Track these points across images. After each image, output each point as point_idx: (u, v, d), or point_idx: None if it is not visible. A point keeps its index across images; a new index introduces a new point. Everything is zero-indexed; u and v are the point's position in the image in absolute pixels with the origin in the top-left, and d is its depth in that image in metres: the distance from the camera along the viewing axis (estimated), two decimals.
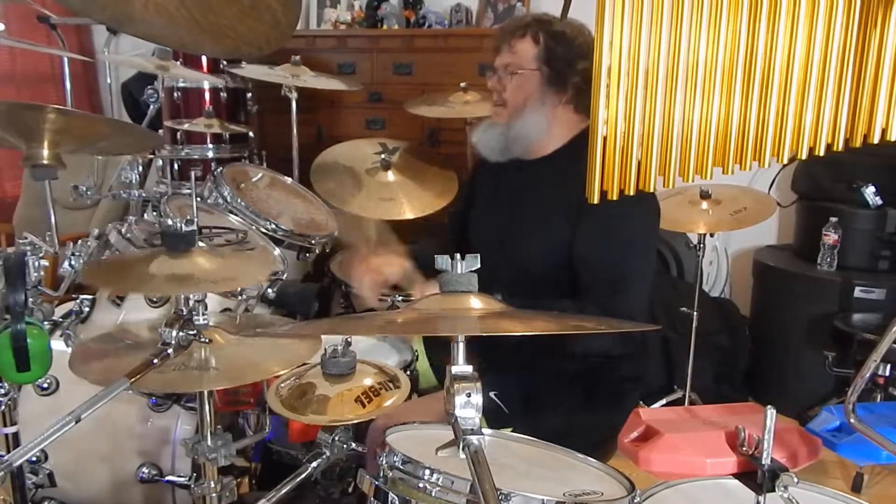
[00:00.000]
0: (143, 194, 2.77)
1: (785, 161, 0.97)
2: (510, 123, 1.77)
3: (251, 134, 3.22)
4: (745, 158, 0.96)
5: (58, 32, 3.35)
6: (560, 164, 1.76)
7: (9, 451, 1.28)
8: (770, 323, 3.08)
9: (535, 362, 1.68)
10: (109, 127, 1.63)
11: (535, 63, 1.72)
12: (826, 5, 0.91)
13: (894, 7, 0.89)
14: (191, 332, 1.22)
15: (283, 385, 1.49)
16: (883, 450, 1.72)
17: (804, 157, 0.96)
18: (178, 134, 3.06)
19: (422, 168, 2.95)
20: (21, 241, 1.24)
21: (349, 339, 1.50)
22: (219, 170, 2.33)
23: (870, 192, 2.83)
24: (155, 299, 1.79)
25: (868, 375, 1.77)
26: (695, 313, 2.59)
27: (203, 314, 1.26)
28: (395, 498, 1.04)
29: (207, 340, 1.25)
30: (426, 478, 1.02)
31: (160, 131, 3.10)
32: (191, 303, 1.25)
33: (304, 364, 1.50)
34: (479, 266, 1.03)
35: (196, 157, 3.12)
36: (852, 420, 1.74)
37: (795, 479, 0.96)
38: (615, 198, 0.96)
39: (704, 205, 2.52)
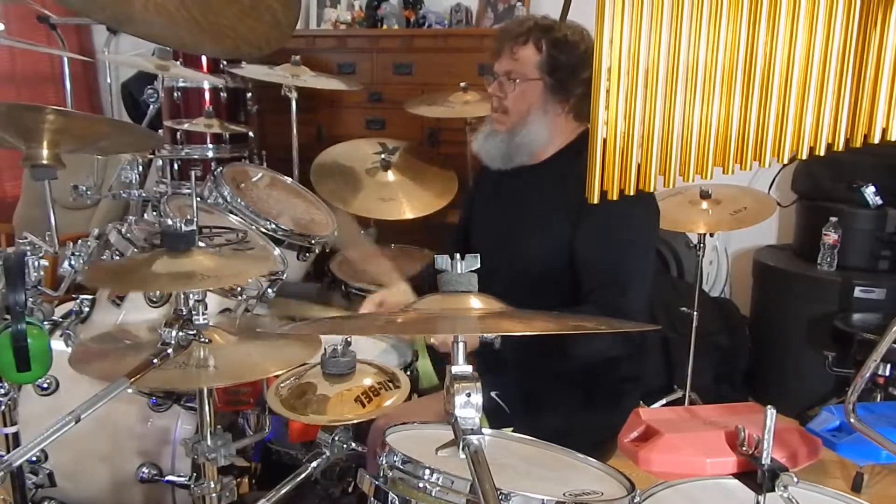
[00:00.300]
0: (143, 194, 2.76)
1: (785, 161, 0.97)
2: (513, 132, 1.76)
3: (251, 134, 3.22)
4: (746, 158, 0.96)
5: (58, 32, 3.35)
6: (559, 165, 1.75)
7: (9, 451, 1.28)
8: (770, 323, 3.08)
9: (535, 362, 1.68)
10: (109, 127, 1.63)
11: (538, 72, 1.71)
12: (826, 5, 0.91)
13: (894, 7, 0.89)
14: (190, 332, 1.22)
15: (283, 385, 1.50)
16: (883, 449, 1.72)
17: (804, 156, 0.96)
18: (178, 134, 3.06)
19: (422, 168, 2.96)
20: (21, 241, 1.24)
21: (349, 339, 1.50)
22: (219, 170, 2.33)
23: (870, 192, 2.83)
24: (155, 299, 1.79)
25: (868, 375, 1.77)
26: (695, 313, 2.59)
27: (203, 314, 1.26)
28: (395, 498, 1.04)
29: (207, 340, 1.25)
30: (426, 478, 1.02)
31: (160, 131, 3.09)
32: (190, 303, 1.25)
33: (304, 364, 1.50)
34: (478, 266, 1.03)
35: (196, 157, 3.11)
36: (852, 420, 1.74)
37: (795, 479, 0.96)
38: (615, 198, 0.96)
39: (704, 205, 2.52)
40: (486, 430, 1.12)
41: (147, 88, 3.07)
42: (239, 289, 1.73)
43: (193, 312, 1.24)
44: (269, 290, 1.82)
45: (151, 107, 3.05)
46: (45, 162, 1.26)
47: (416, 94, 3.18)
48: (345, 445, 1.54)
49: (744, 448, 1.02)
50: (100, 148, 1.79)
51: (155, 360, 1.15)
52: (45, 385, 1.66)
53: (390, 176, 2.88)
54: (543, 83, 1.71)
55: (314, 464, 1.53)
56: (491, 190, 1.90)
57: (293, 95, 2.86)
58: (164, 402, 1.66)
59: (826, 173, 2.98)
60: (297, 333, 1.42)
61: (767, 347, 3.06)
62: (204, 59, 3.13)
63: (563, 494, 1.03)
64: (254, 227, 2.12)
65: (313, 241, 2.36)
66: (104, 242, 1.73)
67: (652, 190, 0.96)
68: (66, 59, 3.48)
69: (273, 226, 2.20)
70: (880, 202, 2.83)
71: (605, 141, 0.93)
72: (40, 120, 1.24)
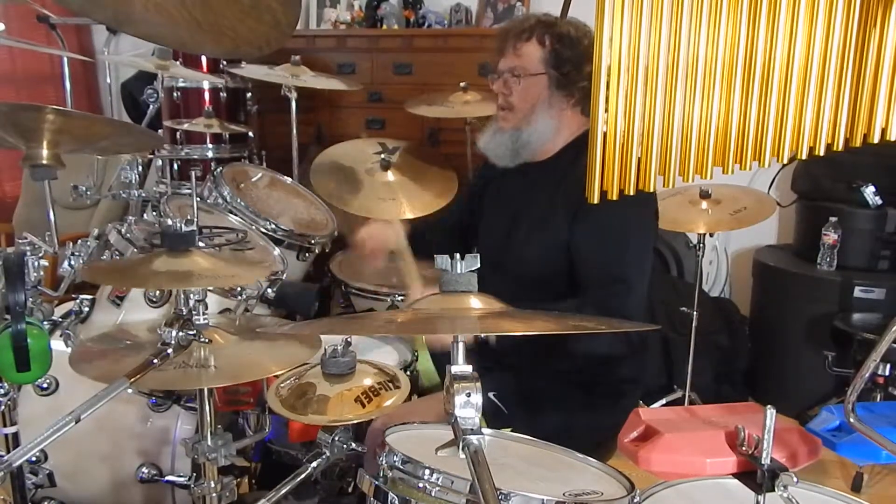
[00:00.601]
0: (143, 194, 2.76)
1: (785, 161, 0.97)
2: (519, 129, 1.76)
3: (251, 134, 3.22)
4: (745, 158, 0.96)
5: (58, 32, 3.35)
6: (562, 164, 1.75)
7: (9, 451, 1.28)
8: (770, 323, 3.08)
9: (534, 362, 1.69)
10: (109, 127, 1.63)
11: (543, 67, 1.71)
12: (826, 4, 0.91)
13: (894, 6, 0.89)
14: (190, 332, 1.22)
15: (283, 385, 1.50)
16: (883, 449, 1.72)
17: (804, 156, 0.96)
18: (178, 134, 3.06)
19: (422, 168, 2.95)
20: (21, 241, 1.24)
21: (349, 339, 1.50)
22: (219, 170, 2.33)
23: (870, 191, 2.83)
24: (154, 299, 1.79)
25: (868, 375, 1.77)
26: (695, 313, 2.59)
27: (203, 314, 1.26)
28: (395, 498, 1.04)
29: (207, 340, 1.25)
30: (426, 478, 1.02)
31: (160, 131, 3.09)
32: (190, 303, 1.25)
33: (304, 364, 1.50)
34: (479, 266, 1.03)
35: (196, 157, 3.11)
36: (852, 420, 1.74)
37: (795, 479, 0.96)
38: (615, 197, 0.96)
39: (704, 204, 2.52)
40: (486, 430, 1.13)
41: (147, 88, 3.07)
42: (239, 289, 1.73)
43: (193, 312, 1.24)
44: (269, 290, 1.82)
45: (151, 107, 3.05)
46: (45, 162, 1.26)
47: (416, 94, 3.18)
48: (345, 445, 1.54)
49: (744, 448, 1.02)
50: (100, 148, 1.79)
51: (155, 360, 1.15)
52: (45, 385, 1.66)
53: (390, 176, 2.88)
54: (548, 77, 1.71)
55: (314, 464, 1.53)
56: (495, 188, 1.91)
57: (293, 95, 2.85)
58: (164, 402, 1.66)
59: (826, 173, 2.98)
60: (297, 333, 1.42)
61: (767, 347, 3.06)
62: (204, 59, 3.13)
63: (563, 494, 1.03)
64: (254, 227, 2.12)
65: (313, 241, 2.36)
66: (104, 242, 1.73)
67: (652, 190, 0.96)
68: (65, 59, 3.48)
69: (273, 226, 2.20)
70: (880, 202, 2.83)
71: (604, 140, 0.93)
72: (40, 120, 1.24)
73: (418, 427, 1.25)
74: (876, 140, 0.93)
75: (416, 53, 3.44)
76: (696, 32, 0.92)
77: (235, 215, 2.15)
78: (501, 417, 1.60)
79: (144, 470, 1.62)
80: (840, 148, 0.95)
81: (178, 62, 2.86)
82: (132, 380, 1.09)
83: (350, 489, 1.75)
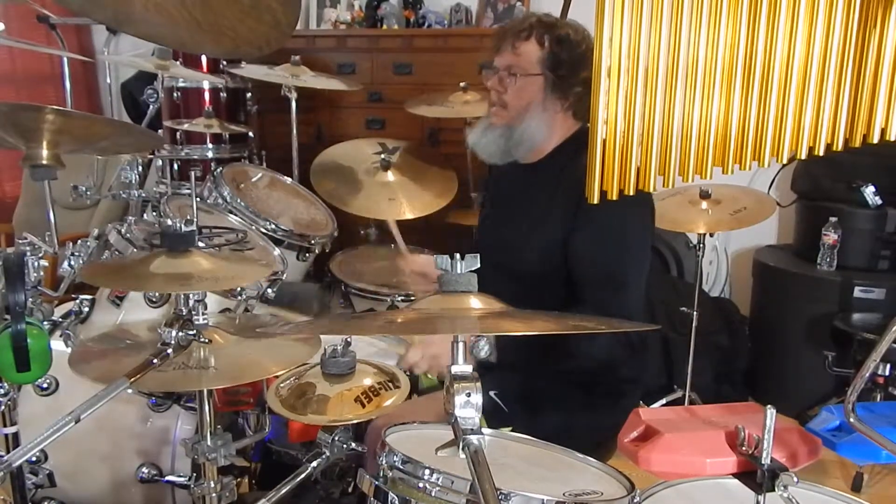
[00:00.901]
0: (143, 194, 2.76)
1: (784, 161, 0.97)
2: (511, 127, 1.75)
3: (251, 134, 3.22)
4: (745, 158, 0.96)
5: (57, 32, 3.35)
6: (556, 164, 1.75)
7: (9, 451, 1.28)
8: (770, 323, 3.08)
9: (534, 362, 1.68)
10: (109, 127, 1.63)
11: (540, 67, 1.70)
12: (826, 5, 0.91)
13: (894, 6, 0.89)
14: (190, 332, 1.22)
15: (282, 385, 1.49)
16: (883, 449, 1.72)
17: (804, 156, 0.96)
18: (178, 134, 3.06)
19: (422, 168, 2.95)
20: (21, 241, 1.24)
21: (349, 339, 1.50)
22: (219, 170, 2.33)
23: (869, 191, 2.83)
24: (154, 299, 1.79)
25: (868, 375, 1.77)
26: (695, 313, 2.59)
27: (203, 314, 1.26)
28: (395, 498, 1.04)
29: (207, 340, 1.25)
30: (426, 478, 1.02)
31: (160, 131, 3.09)
32: (190, 303, 1.25)
33: (304, 364, 1.50)
34: (478, 266, 1.03)
35: (196, 157, 3.12)
36: (852, 419, 1.74)
37: (795, 479, 0.96)
38: (615, 198, 0.96)
39: (704, 205, 2.52)
40: (486, 430, 1.13)
41: (147, 88, 3.06)
42: (239, 289, 1.73)
43: (193, 312, 1.24)
44: (269, 290, 1.82)
45: (151, 107, 3.05)
46: (44, 162, 1.26)
47: (417, 94, 3.18)
48: (345, 445, 1.54)
49: (744, 448, 1.02)
50: (100, 148, 1.79)
51: (155, 361, 1.15)
52: (45, 385, 1.66)
53: (390, 176, 2.88)
54: (544, 79, 1.71)
55: (314, 464, 1.53)
56: (493, 190, 1.91)
57: (293, 95, 2.86)
58: (164, 402, 1.66)
59: (826, 173, 2.98)
60: (297, 334, 1.42)
61: (767, 347, 3.06)
62: (204, 59, 3.13)
63: (563, 494, 1.03)
64: (253, 228, 2.12)
65: (313, 241, 2.36)
66: (104, 242, 1.73)
67: (651, 190, 0.96)
68: (65, 59, 3.48)
69: (273, 226, 2.20)
70: (880, 202, 2.83)
71: (604, 141, 0.93)
72: (40, 120, 1.24)
73: (418, 427, 1.25)
74: (876, 140, 0.94)
75: (416, 53, 3.44)
76: (696, 33, 0.92)
77: (235, 215, 2.15)
78: (501, 417, 1.60)
79: (144, 470, 1.62)
80: (840, 148, 0.95)
81: (178, 62, 2.86)
82: (132, 380, 1.09)
83: (350, 489, 1.75)
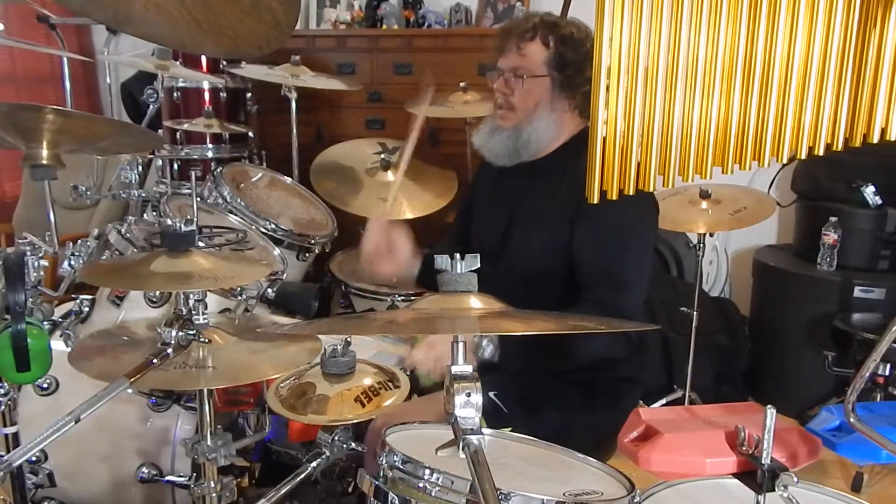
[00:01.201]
0: (143, 194, 2.76)
1: (784, 160, 0.97)
2: (519, 129, 1.74)
3: (251, 134, 3.22)
4: (745, 158, 0.96)
5: (57, 32, 3.35)
6: (559, 163, 1.75)
7: (9, 451, 1.28)
8: (770, 323, 3.08)
9: (534, 362, 1.68)
10: (109, 127, 1.63)
11: (546, 68, 1.70)
12: (826, 4, 0.91)
13: (894, 6, 0.89)
14: (190, 332, 1.22)
15: (282, 385, 1.50)
16: (883, 449, 1.72)
17: (804, 156, 0.96)
18: (178, 134, 3.06)
19: (422, 168, 2.95)
20: (21, 241, 1.24)
21: (349, 339, 1.50)
22: (219, 170, 2.33)
23: (869, 191, 2.83)
24: (154, 299, 1.80)
25: (868, 375, 1.77)
26: (695, 313, 2.59)
27: (203, 314, 1.26)
28: (395, 498, 1.04)
29: (207, 340, 1.25)
30: (426, 478, 1.02)
31: (160, 131, 3.09)
32: (190, 302, 1.25)
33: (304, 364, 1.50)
34: (478, 266, 1.03)
35: (196, 157, 3.11)
36: (852, 419, 1.74)
37: (795, 479, 0.96)
38: (615, 197, 0.96)
39: (704, 204, 2.52)
40: (486, 430, 1.13)
41: (147, 88, 3.06)
42: (239, 289, 1.73)
43: (193, 312, 1.24)
44: (269, 290, 1.82)
45: (151, 107, 3.05)
46: (45, 162, 1.26)
47: (417, 94, 3.18)
48: (345, 445, 1.54)
49: (744, 448, 1.02)
50: (100, 148, 1.79)
51: (154, 360, 1.15)
52: (45, 385, 1.66)
53: (390, 176, 2.88)
54: (551, 79, 1.70)
55: (314, 464, 1.53)
56: (490, 187, 1.90)
57: (293, 95, 2.86)
58: (164, 402, 1.66)
59: (826, 173, 2.98)
60: (297, 333, 1.42)
61: (767, 347, 3.06)
62: (204, 59, 3.13)
63: (563, 494, 1.03)
64: (253, 227, 2.12)
65: (313, 241, 2.36)
66: (104, 242, 1.73)
67: (652, 190, 0.96)
68: (65, 59, 3.48)
69: (273, 226, 2.20)
70: (880, 202, 2.83)
71: (604, 140, 0.93)
72: (40, 120, 1.24)
73: (418, 427, 1.25)
74: (876, 140, 0.93)
75: (416, 53, 3.44)
76: (696, 32, 0.92)
77: (235, 215, 2.15)
78: (500, 417, 1.60)
79: (144, 470, 1.62)
80: (840, 148, 0.95)
81: (178, 62, 2.86)
82: (132, 380, 1.09)
83: (350, 489, 1.75)
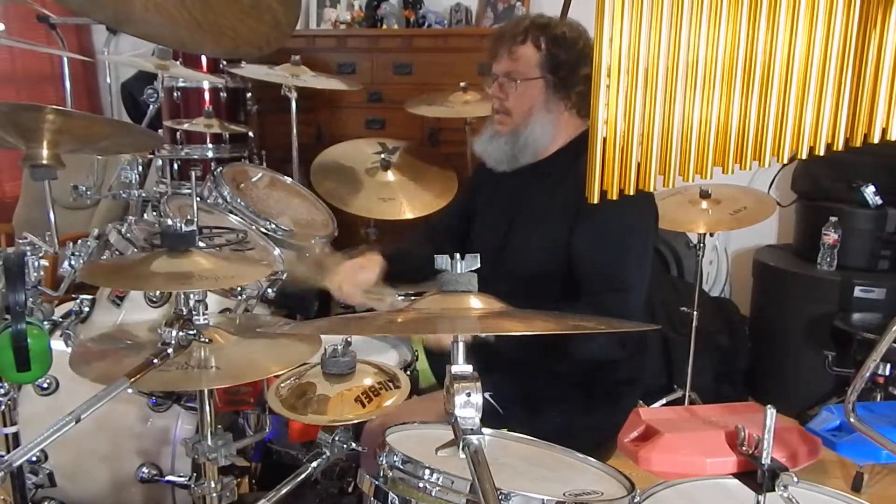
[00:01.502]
0: (143, 194, 2.76)
1: (785, 160, 0.97)
2: (516, 133, 1.75)
3: (251, 134, 3.22)
4: (745, 158, 0.96)
5: (57, 32, 3.35)
6: (560, 164, 1.75)
7: (9, 451, 1.28)
8: (770, 323, 3.08)
9: (533, 362, 1.68)
10: (109, 127, 1.63)
11: (539, 70, 1.70)
12: (826, 5, 0.91)
13: (894, 7, 0.89)
14: (190, 332, 1.21)
15: (283, 385, 1.50)
16: (883, 449, 1.72)
17: (804, 156, 0.96)
18: (178, 134, 3.06)
19: (422, 168, 2.96)
20: (21, 241, 1.24)
21: (349, 339, 1.50)
22: (219, 170, 2.33)
23: (870, 191, 2.83)
24: (155, 299, 1.79)
25: (868, 375, 1.77)
26: (695, 313, 2.59)
27: (203, 314, 1.26)
28: (395, 498, 1.04)
29: (207, 340, 1.25)
30: (426, 478, 1.02)
31: (160, 131, 3.09)
32: (191, 303, 1.24)
33: (304, 364, 1.50)
34: (478, 266, 1.03)
35: (196, 157, 3.11)
36: (852, 419, 1.74)
37: (795, 479, 0.96)
38: (615, 198, 0.96)
39: (704, 204, 2.52)
40: (486, 430, 1.13)
41: (147, 88, 3.06)
42: (239, 289, 1.73)
43: (193, 312, 1.24)
44: (269, 290, 1.82)
45: (151, 107, 3.05)
46: (45, 162, 1.26)
47: (417, 94, 3.19)
48: (345, 445, 1.54)
49: (744, 448, 1.02)
50: (100, 148, 1.79)
51: (155, 360, 1.15)
52: (45, 385, 1.66)
53: (390, 176, 2.88)
54: (545, 81, 1.70)
55: (314, 464, 1.53)
56: (491, 189, 1.90)
57: (293, 95, 2.85)
58: (164, 402, 1.66)
59: (826, 173, 2.98)
60: (297, 333, 1.42)
61: (767, 347, 3.06)
62: (204, 59, 3.13)
63: (563, 494, 1.03)
64: (254, 228, 2.12)
65: (313, 241, 2.35)
66: (104, 242, 1.73)
67: (652, 190, 0.96)
68: (65, 59, 3.48)
69: (273, 226, 2.20)
70: (880, 202, 2.83)
71: (604, 140, 0.93)
72: (40, 120, 1.24)
73: (418, 427, 1.25)
74: (876, 140, 0.94)
75: (416, 53, 3.44)
76: (696, 33, 0.92)
77: (235, 215, 2.15)
78: (496, 418, 1.60)
79: (144, 470, 1.62)
80: (840, 148, 0.95)
81: (178, 62, 2.86)
82: (132, 380, 1.09)
83: (350, 489, 1.75)
